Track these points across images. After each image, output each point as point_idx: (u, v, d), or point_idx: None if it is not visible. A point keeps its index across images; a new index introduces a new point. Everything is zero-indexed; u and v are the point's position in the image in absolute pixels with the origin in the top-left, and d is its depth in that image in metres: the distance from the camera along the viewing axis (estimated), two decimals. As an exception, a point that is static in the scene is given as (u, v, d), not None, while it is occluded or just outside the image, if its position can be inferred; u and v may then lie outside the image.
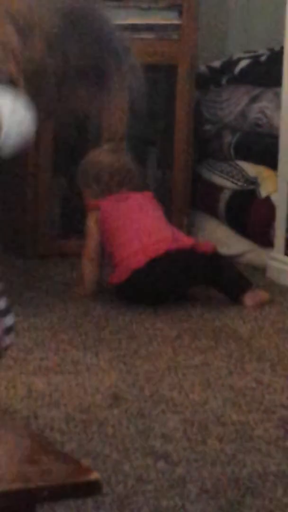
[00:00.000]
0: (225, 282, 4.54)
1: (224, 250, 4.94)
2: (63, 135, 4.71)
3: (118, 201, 4.53)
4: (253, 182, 4.98)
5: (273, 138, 4.84)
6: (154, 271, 4.41)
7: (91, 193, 4.51)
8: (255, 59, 5.20)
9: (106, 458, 3.11)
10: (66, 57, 2.09)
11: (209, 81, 5.28)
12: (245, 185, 5.01)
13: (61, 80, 2.11)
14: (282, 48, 4.76)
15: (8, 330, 2.39)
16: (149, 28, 4.85)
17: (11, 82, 2.13)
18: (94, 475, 1.95)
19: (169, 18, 4.94)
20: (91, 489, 1.97)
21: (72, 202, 4.94)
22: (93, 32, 2.12)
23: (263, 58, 5.18)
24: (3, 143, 2.14)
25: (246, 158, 5.07)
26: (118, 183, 4.47)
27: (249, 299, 4.47)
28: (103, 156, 4.54)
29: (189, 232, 5.07)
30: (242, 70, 5.20)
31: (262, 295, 4.53)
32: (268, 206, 4.87)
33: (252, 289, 4.51)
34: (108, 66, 2.13)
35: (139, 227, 4.50)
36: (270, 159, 4.87)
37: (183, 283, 4.56)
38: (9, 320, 2.38)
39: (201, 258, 4.58)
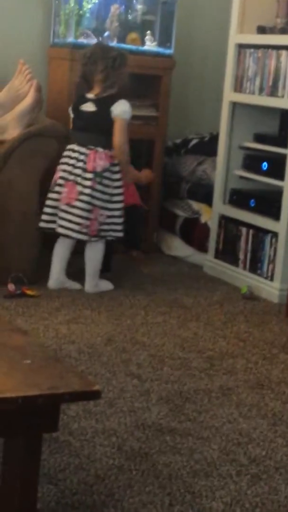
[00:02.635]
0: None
1: (178, 254, 4.95)
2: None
3: None
4: (197, 213, 4.96)
5: (210, 187, 4.82)
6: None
7: None
8: (201, 139, 5.17)
9: (102, 376, 3.11)
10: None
11: (173, 151, 5.23)
12: (192, 214, 4.98)
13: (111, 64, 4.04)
14: (218, 133, 4.75)
15: None
16: (139, 118, 4.78)
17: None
18: (96, 386, 1.97)
19: (151, 112, 4.90)
20: (94, 395, 1.98)
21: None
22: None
23: (206, 139, 5.15)
24: None
25: (193, 198, 5.03)
26: None
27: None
28: None
29: (157, 243, 5.04)
30: (193, 145, 5.17)
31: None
32: (206, 228, 4.85)
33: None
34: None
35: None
36: (208, 199, 4.84)
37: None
38: None
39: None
